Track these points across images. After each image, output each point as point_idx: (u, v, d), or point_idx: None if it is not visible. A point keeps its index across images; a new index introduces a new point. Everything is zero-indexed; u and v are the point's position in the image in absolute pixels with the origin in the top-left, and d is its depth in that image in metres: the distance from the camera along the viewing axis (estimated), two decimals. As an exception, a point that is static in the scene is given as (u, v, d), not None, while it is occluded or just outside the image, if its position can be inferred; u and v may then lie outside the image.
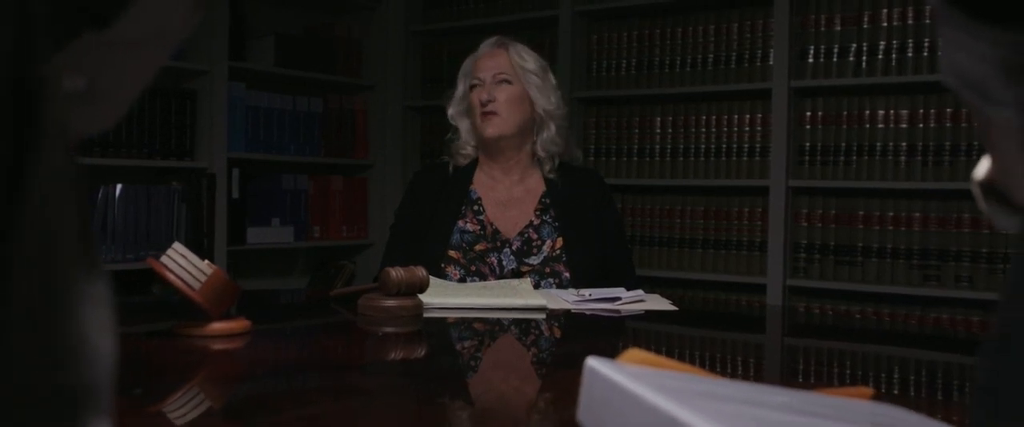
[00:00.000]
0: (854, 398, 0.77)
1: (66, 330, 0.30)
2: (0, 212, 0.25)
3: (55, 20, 0.31)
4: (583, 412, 0.72)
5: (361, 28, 3.55)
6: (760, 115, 2.83)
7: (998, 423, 0.30)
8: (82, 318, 0.31)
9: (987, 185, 0.46)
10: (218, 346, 1.16)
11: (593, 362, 0.72)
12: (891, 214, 2.65)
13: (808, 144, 2.76)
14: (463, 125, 1.99)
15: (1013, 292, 0.32)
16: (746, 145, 2.86)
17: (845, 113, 2.70)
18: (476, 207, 1.91)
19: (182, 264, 1.13)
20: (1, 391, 0.26)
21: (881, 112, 2.65)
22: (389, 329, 1.38)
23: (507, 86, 1.91)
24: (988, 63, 0.35)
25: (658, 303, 1.64)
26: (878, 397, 0.81)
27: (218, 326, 1.17)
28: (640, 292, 1.66)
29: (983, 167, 0.46)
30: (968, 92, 0.38)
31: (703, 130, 2.93)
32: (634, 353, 0.75)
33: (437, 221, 1.89)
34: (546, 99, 1.94)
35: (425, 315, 1.44)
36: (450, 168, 1.98)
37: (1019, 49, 0.34)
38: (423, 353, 1.32)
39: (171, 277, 1.12)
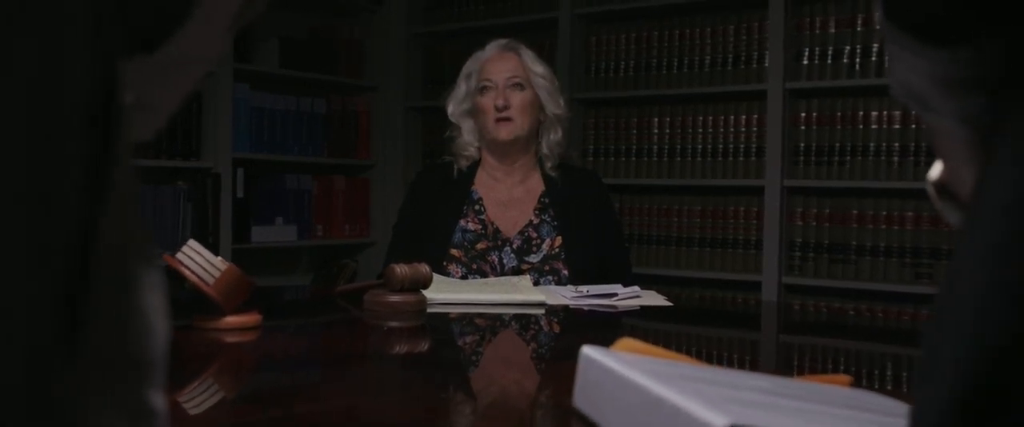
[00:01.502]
0: (832, 384, 0.82)
1: (135, 312, 0.35)
2: (89, 215, 0.30)
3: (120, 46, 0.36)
4: (578, 396, 0.78)
5: (363, 30, 3.59)
6: (756, 116, 2.88)
7: (919, 389, 0.35)
8: (146, 302, 0.36)
9: (940, 185, 0.51)
10: (231, 339, 1.21)
11: (588, 350, 0.77)
12: (884, 213, 2.70)
13: (803, 144, 2.81)
14: (466, 125, 2.03)
15: (949, 277, 0.37)
16: (742, 145, 2.91)
17: (839, 114, 2.76)
18: (477, 207, 1.97)
19: (197, 260, 1.19)
20: (90, 361, 0.31)
21: (874, 113, 2.70)
22: (394, 323, 1.43)
23: (520, 91, 1.96)
24: (928, 78, 0.40)
25: (653, 299, 1.69)
26: (856, 386, 0.86)
27: (231, 320, 1.22)
28: (636, 288, 1.72)
29: (936, 169, 0.51)
30: (912, 102, 0.44)
31: (700, 131, 2.98)
32: (626, 342, 0.80)
33: (439, 220, 1.94)
34: (555, 103, 2.00)
35: (428, 310, 1.49)
36: (454, 169, 2.02)
37: (954, 67, 0.39)
38: (427, 346, 1.38)
39: (187, 273, 1.18)
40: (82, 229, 0.29)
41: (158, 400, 0.37)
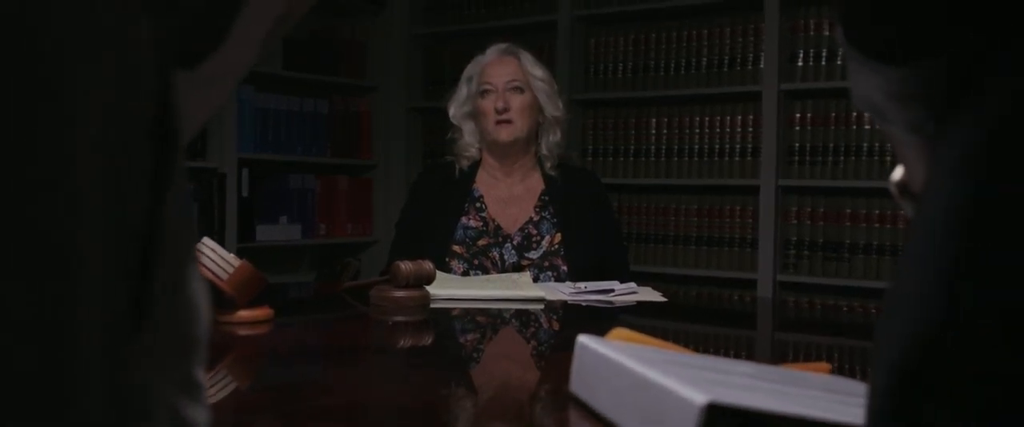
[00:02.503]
0: (813, 371, 0.88)
1: (186, 297, 0.41)
2: (153, 214, 0.35)
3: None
4: (575, 382, 0.83)
5: (365, 32, 3.64)
6: (751, 117, 2.93)
7: (872, 368, 0.41)
8: (193, 289, 0.41)
9: (901, 185, 0.57)
10: (244, 332, 1.27)
11: (583, 339, 0.83)
12: (877, 212, 2.75)
13: (797, 145, 2.86)
14: (467, 126, 2.09)
15: (898, 270, 0.42)
16: (738, 146, 2.96)
17: (833, 115, 2.81)
18: (478, 204, 2.02)
19: (211, 257, 1.24)
20: (153, 340, 0.37)
21: (867, 114, 2.75)
22: (399, 318, 1.49)
23: (519, 94, 2.01)
24: (883, 92, 0.46)
25: (649, 295, 1.74)
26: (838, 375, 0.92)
27: (244, 314, 1.27)
28: (632, 285, 1.77)
29: (898, 171, 0.57)
30: (871, 112, 0.49)
31: (697, 131, 3.04)
32: (619, 332, 0.86)
33: (441, 218, 2.00)
34: (554, 105, 2.05)
35: (432, 305, 1.55)
36: (456, 169, 2.08)
37: (905, 82, 0.45)
38: (430, 340, 1.43)
39: (202, 269, 1.23)
40: (150, 223, 0.35)
41: (202, 375, 0.42)
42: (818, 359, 1.42)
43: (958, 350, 0.35)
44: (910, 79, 0.43)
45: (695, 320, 1.74)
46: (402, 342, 1.40)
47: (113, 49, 0.33)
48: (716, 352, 1.38)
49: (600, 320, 1.60)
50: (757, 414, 0.57)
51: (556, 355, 1.22)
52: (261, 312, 1.30)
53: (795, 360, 1.37)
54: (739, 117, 2.96)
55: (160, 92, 0.37)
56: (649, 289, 1.80)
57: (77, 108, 0.30)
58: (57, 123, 0.29)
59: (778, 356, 1.41)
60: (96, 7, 0.31)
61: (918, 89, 0.43)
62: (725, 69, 2.98)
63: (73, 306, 0.30)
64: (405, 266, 1.51)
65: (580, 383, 0.81)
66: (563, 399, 0.84)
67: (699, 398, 0.57)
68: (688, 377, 0.64)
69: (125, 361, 0.32)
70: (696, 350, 1.27)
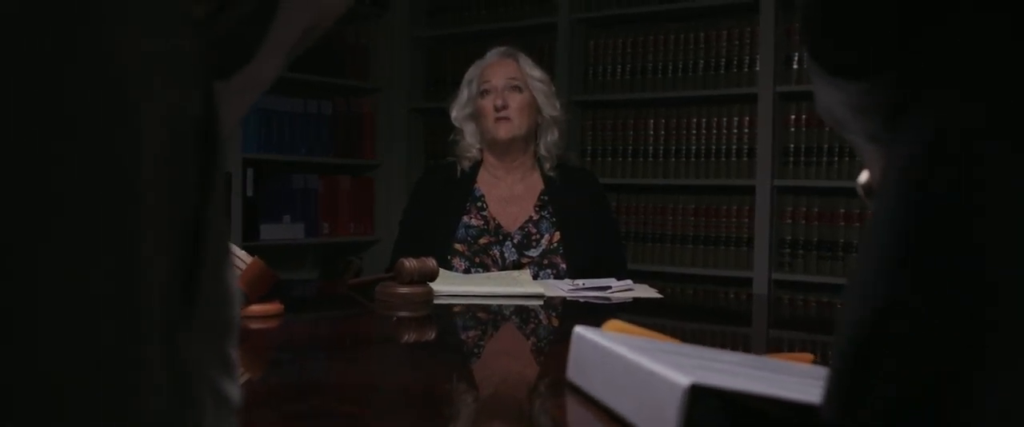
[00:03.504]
0: (795, 361, 0.93)
1: (224, 285, 0.46)
2: (199, 212, 0.40)
3: None
4: (572, 370, 0.89)
5: (368, 34, 3.70)
6: (747, 118, 2.98)
7: (831, 361, 0.46)
8: (229, 278, 0.47)
9: (867, 187, 0.62)
10: (256, 325, 1.32)
11: (579, 329, 0.88)
12: (870, 212, 2.80)
13: (792, 146, 2.92)
14: (468, 128, 2.15)
15: (854, 266, 0.48)
16: (734, 147, 3.02)
17: (827, 116, 2.86)
18: (480, 203, 2.08)
19: (225, 254, 1.29)
20: (200, 322, 0.42)
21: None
22: (403, 313, 1.54)
23: (518, 93, 2.07)
24: (843, 104, 0.51)
25: (645, 291, 1.80)
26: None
27: (256, 308, 1.33)
28: (629, 282, 1.83)
29: (864, 174, 0.62)
30: (833, 122, 0.54)
31: (694, 132, 3.09)
32: (613, 323, 0.91)
33: (444, 217, 2.06)
34: (551, 105, 2.11)
35: (435, 301, 1.60)
36: (458, 170, 2.14)
37: (862, 96, 0.50)
38: (434, 334, 1.49)
39: (215, 265, 1.28)
40: (198, 219, 0.40)
41: (236, 354, 0.47)
42: (811, 354, 1.47)
43: (895, 337, 0.40)
44: (866, 93, 0.48)
45: (691, 317, 1.79)
46: (407, 336, 1.45)
47: (167, 67, 0.37)
48: (711, 343, 1.43)
49: (597, 316, 1.65)
50: (736, 395, 0.63)
51: (554, 347, 1.27)
52: (272, 307, 1.35)
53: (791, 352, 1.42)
54: (735, 118, 3.01)
55: (205, 103, 0.42)
56: (645, 286, 1.85)
57: (142, 121, 0.35)
58: (127, 135, 0.34)
59: (772, 352, 1.46)
60: (153, 31, 0.36)
61: (873, 102, 0.48)
62: (722, 71, 3.04)
63: (140, 290, 0.34)
64: (409, 263, 1.56)
65: (577, 371, 0.87)
66: (561, 386, 0.90)
67: (683, 380, 0.63)
68: (675, 363, 0.69)
69: (177, 337, 0.37)
70: (691, 339, 1.33)
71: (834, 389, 0.43)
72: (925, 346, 0.38)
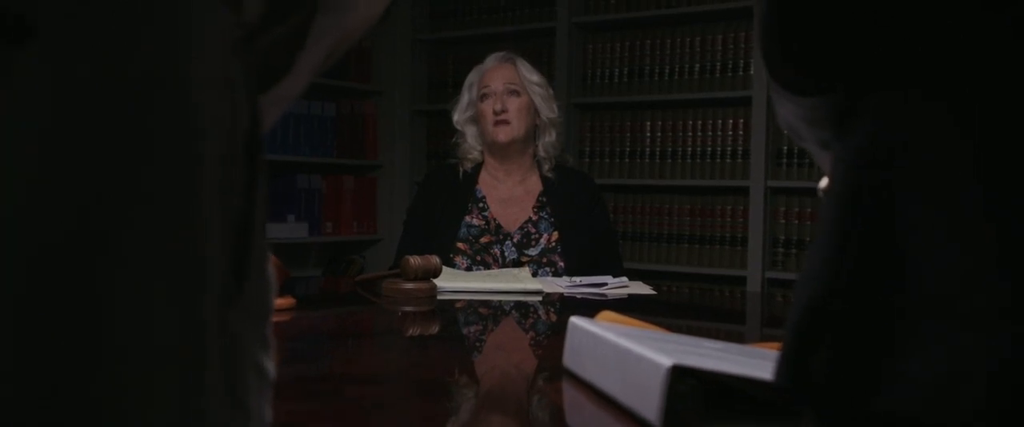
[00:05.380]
0: (774, 349, 1.01)
1: (265, 275, 0.53)
2: (249, 206, 0.47)
3: None
4: (567, 357, 0.96)
5: (371, 37, 3.76)
6: (742, 120, 3.05)
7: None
8: (268, 270, 0.53)
9: (826, 192, 0.70)
10: (269, 319, 1.40)
11: (575, 319, 0.96)
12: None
13: (785, 147, 2.99)
14: (469, 131, 2.22)
15: (808, 253, 0.55)
16: (728, 148, 3.09)
17: (819, 119, 2.93)
18: (481, 204, 2.15)
19: (241, 251, 1.37)
20: (246, 305, 0.48)
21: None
22: (408, 308, 1.62)
23: (516, 97, 2.15)
24: (798, 117, 0.59)
25: (639, 288, 1.87)
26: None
27: (269, 302, 1.40)
28: (624, 279, 1.90)
29: (824, 180, 0.70)
30: (791, 132, 0.62)
31: (689, 134, 3.16)
32: (606, 314, 0.99)
33: (446, 217, 2.13)
34: (548, 108, 2.19)
35: (439, 297, 1.68)
36: (460, 171, 2.21)
37: (813, 109, 0.57)
38: (438, 328, 1.56)
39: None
40: (246, 214, 0.47)
41: (272, 335, 0.54)
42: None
43: (831, 317, 0.48)
44: (817, 107, 0.56)
45: (685, 315, 1.86)
46: (412, 328, 1.53)
47: (222, 89, 0.44)
48: (705, 334, 1.50)
49: (593, 311, 1.72)
50: (712, 374, 0.70)
51: (552, 339, 1.35)
52: (284, 301, 1.43)
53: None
54: (730, 121, 3.08)
55: (252, 118, 0.49)
56: (640, 283, 1.93)
57: (204, 137, 0.42)
58: (193, 149, 0.41)
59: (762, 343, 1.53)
60: (212, 59, 0.43)
61: (823, 114, 0.56)
62: (717, 75, 3.11)
63: (203, 271, 0.41)
64: (414, 260, 1.64)
65: (572, 358, 0.95)
66: (557, 371, 0.97)
67: (666, 361, 0.70)
68: (659, 348, 0.77)
69: (228, 315, 0.44)
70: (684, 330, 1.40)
71: (783, 359, 0.51)
72: (854, 325, 0.46)
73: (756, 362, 0.81)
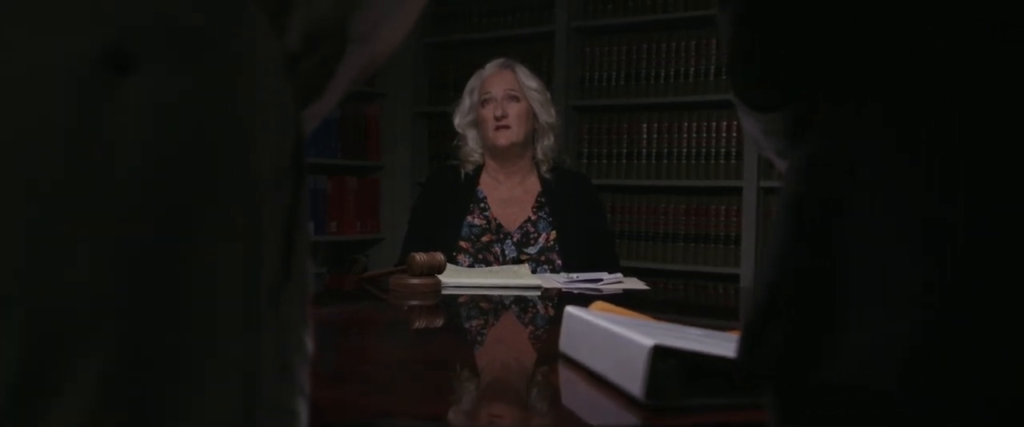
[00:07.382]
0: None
1: (305, 267, 0.60)
2: (296, 203, 0.55)
3: None
4: (563, 342, 1.05)
5: (374, 41, 3.83)
6: (735, 122, 3.10)
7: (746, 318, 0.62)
8: (308, 262, 0.61)
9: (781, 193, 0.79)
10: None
11: (570, 308, 1.04)
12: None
13: (777, 149, 3.06)
14: (470, 134, 2.31)
15: (766, 249, 0.64)
16: (723, 149, 3.16)
17: (810, 121, 3.00)
18: (482, 205, 2.24)
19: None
20: (293, 291, 0.56)
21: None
22: (414, 302, 1.71)
23: (516, 102, 2.23)
24: (759, 129, 0.67)
25: (634, 284, 1.96)
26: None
27: (284, 296, 1.49)
28: (619, 275, 1.99)
29: (787, 184, 0.79)
30: (754, 142, 0.71)
31: (684, 136, 3.23)
32: (599, 304, 1.08)
33: (449, 216, 2.22)
34: (547, 112, 2.27)
35: (443, 292, 1.77)
36: (461, 173, 2.30)
37: (771, 123, 0.66)
38: (442, 320, 1.65)
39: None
40: (293, 218, 0.54)
41: (310, 317, 0.62)
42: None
43: (782, 301, 0.56)
44: (774, 121, 0.65)
45: (679, 311, 1.94)
46: (418, 321, 1.62)
47: (278, 104, 0.52)
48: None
49: (587, 304, 1.81)
50: (690, 354, 0.79)
51: (549, 330, 1.44)
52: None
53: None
54: (724, 123, 3.15)
55: (297, 132, 0.56)
56: (634, 279, 2.01)
57: (267, 148, 0.49)
58: (252, 162, 0.49)
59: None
60: (269, 81, 0.51)
61: (779, 127, 0.65)
62: (711, 78, 3.18)
63: (262, 263, 0.49)
64: (420, 257, 1.72)
65: (568, 344, 1.03)
66: (553, 356, 1.06)
67: (648, 342, 0.79)
68: (645, 332, 0.86)
69: (279, 298, 0.52)
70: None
71: (743, 338, 0.59)
72: (800, 311, 0.55)
73: (731, 345, 0.89)
